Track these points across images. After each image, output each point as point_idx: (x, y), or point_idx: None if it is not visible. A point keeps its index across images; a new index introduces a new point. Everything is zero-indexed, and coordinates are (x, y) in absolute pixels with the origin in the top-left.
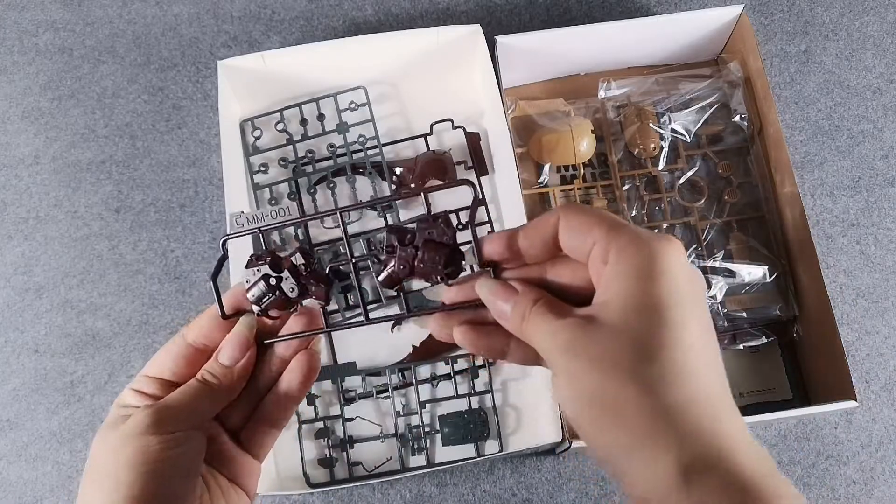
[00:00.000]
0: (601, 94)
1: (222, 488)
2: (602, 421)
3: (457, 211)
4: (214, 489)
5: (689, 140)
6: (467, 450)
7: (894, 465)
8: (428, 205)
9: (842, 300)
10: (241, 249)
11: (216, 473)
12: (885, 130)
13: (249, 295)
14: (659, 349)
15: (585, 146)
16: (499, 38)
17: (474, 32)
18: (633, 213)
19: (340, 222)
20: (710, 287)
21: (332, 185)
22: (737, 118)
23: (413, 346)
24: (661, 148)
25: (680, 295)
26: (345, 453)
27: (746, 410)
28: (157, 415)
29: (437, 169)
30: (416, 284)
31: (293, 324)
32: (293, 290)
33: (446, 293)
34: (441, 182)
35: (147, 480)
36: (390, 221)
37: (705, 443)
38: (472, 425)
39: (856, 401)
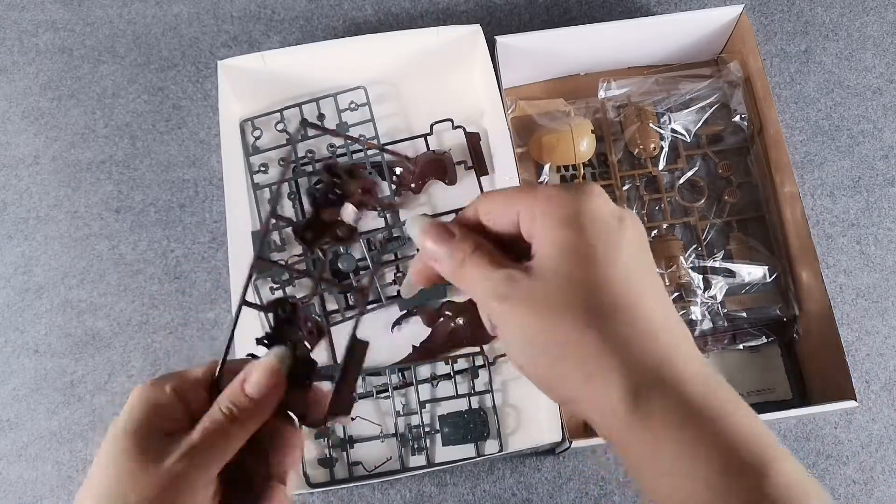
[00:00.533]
0: (601, 94)
1: None
2: (548, 363)
3: (457, 211)
4: None
5: (689, 140)
6: (467, 450)
7: (894, 465)
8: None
9: (842, 300)
10: (242, 245)
11: None
12: (885, 130)
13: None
14: (592, 287)
15: (585, 146)
16: (499, 38)
17: (474, 32)
18: (633, 212)
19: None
20: (710, 287)
21: None
22: (737, 118)
23: (413, 346)
24: (661, 148)
25: (606, 234)
26: (345, 453)
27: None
28: (188, 461)
29: (436, 169)
30: None
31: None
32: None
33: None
34: (442, 182)
35: None
36: (391, 221)
37: (651, 367)
38: (472, 425)
39: (856, 401)
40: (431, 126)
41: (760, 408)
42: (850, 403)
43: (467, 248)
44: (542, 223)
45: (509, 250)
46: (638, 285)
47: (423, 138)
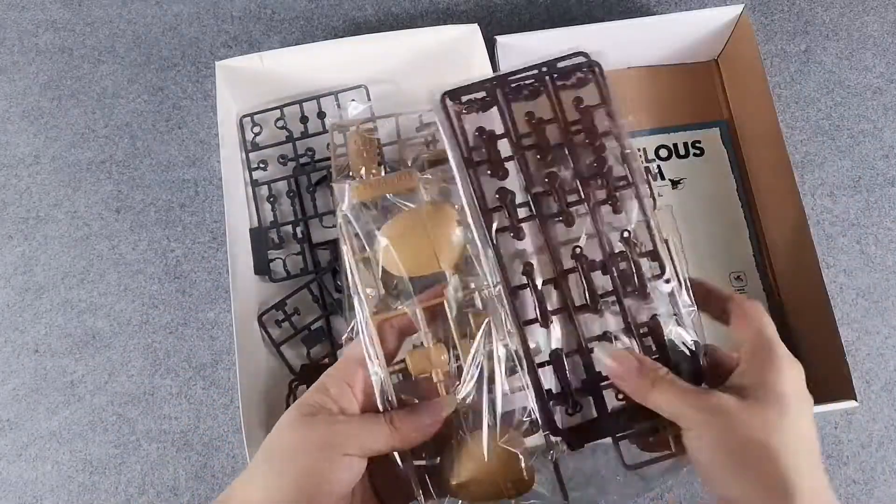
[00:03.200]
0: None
1: None
2: (733, 471)
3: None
4: None
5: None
6: None
7: (894, 465)
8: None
9: (842, 300)
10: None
11: None
12: (885, 130)
13: None
14: (783, 428)
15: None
16: (499, 38)
17: (472, 32)
18: None
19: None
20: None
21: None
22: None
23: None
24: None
25: (798, 395)
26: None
27: None
28: (340, 437)
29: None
30: None
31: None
32: None
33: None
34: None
35: (308, 482)
36: None
37: None
38: None
39: (856, 401)
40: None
41: None
42: (851, 403)
43: (660, 372)
44: (758, 368)
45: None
46: (812, 438)
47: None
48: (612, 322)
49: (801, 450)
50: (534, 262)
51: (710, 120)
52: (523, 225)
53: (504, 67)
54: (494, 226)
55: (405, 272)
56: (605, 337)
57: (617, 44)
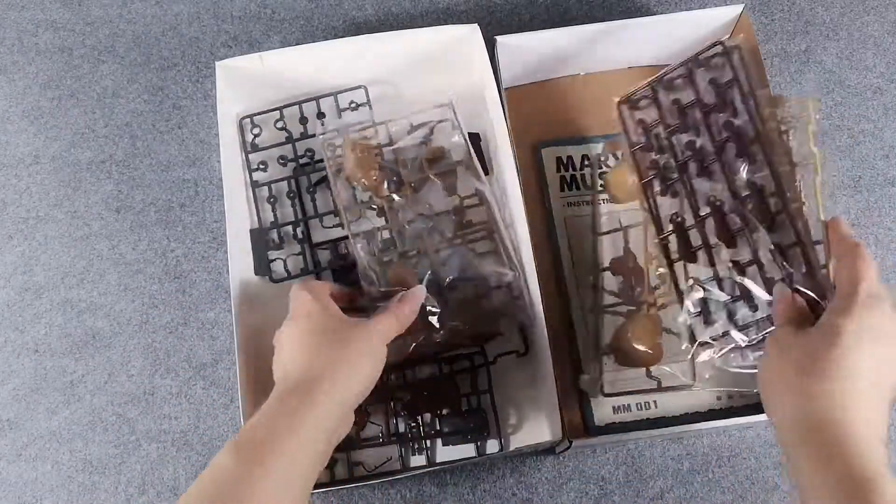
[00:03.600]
0: (318, 130)
1: None
2: (774, 393)
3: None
4: None
5: (409, 167)
6: (467, 450)
7: (894, 464)
8: None
9: None
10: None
11: None
12: (885, 130)
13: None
14: (834, 360)
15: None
16: (499, 38)
17: (472, 32)
18: None
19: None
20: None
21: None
22: (456, 137)
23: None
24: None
25: (857, 333)
26: (345, 454)
27: (745, 411)
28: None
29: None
30: None
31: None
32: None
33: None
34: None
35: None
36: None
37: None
38: (472, 425)
39: None
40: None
41: (760, 408)
42: None
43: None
44: (840, 306)
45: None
46: (874, 380)
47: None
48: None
49: (843, 385)
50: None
51: None
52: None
53: (504, 67)
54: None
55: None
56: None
57: (617, 44)
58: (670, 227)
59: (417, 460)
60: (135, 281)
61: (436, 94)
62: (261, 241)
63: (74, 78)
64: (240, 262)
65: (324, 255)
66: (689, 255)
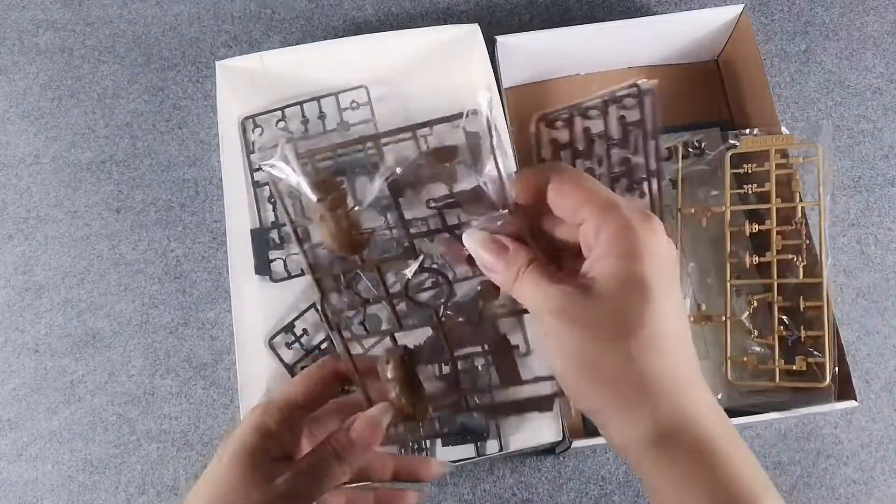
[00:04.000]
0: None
1: None
2: (587, 380)
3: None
4: None
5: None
6: (467, 450)
7: (894, 465)
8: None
9: (842, 300)
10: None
11: None
12: (885, 130)
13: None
14: (641, 324)
15: None
16: (499, 38)
17: (472, 32)
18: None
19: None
20: None
21: None
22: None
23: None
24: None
25: (661, 275)
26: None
27: (744, 410)
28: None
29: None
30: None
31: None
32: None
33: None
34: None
35: None
36: (391, 221)
37: (677, 410)
38: (472, 425)
39: (856, 401)
40: (432, 126)
41: (760, 408)
42: (851, 403)
43: (523, 261)
44: (607, 249)
45: (552, 247)
46: (676, 331)
47: (423, 138)
48: None
49: (667, 349)
50: None
51: (710, 120)
52: None
53: (504, 67)
54: None
55: None
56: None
57: (617, 44)
58: None
59: None
60: (135, 281)
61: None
62: (261, 241)
63: (75, 78)
64: (240, 262)
65: (324, 255)
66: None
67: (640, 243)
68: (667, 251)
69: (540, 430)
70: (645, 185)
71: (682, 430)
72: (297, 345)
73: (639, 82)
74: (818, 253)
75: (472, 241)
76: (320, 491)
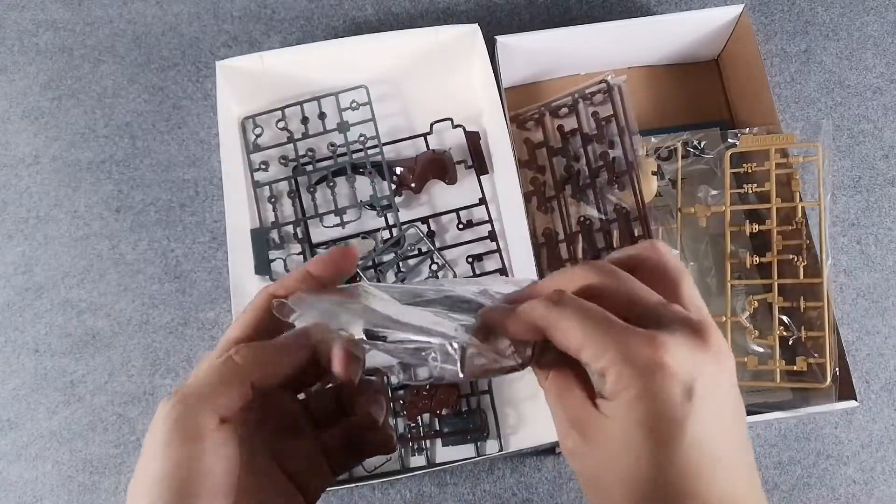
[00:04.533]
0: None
1: (275, 487)
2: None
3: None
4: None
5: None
6: (467, 450)
7: (894, 465)
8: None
9: (842, 300)
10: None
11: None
12: (885, 130)
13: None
14: (651, 474)
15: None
16: (499, 38)
17: (472, 32)
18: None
19: None
20: None
21: (332, 184)
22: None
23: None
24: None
25: (675, 410)
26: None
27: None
28: (178, 408)
29: (437, 168)
30: None
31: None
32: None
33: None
34: (442, 181)
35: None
36: (391, 221)
37: None
38: (472, 425)
39: (856, 401)
40: (431, 125)
41: (760, 408)
42: (851, 403)
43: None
44: (618, 379)
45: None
46: (705, 469)
47: (422, 137)
48: None
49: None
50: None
51: (710, 120)
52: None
53: (504, 67)
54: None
55: None
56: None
57: (617, 44)
58: (542, 240)
59: (417, 460)
60: (135, 281)
61: (436, 95)
62: (261, 241)
63: (75, 78)
64: (240, 262)
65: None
66: (556, 266)
67: (649, 371)
68: (683, 371)
69: (540, 430)
70: (626, 178)
71: None
72: None
73: (608, 78)
74: (818, 253)
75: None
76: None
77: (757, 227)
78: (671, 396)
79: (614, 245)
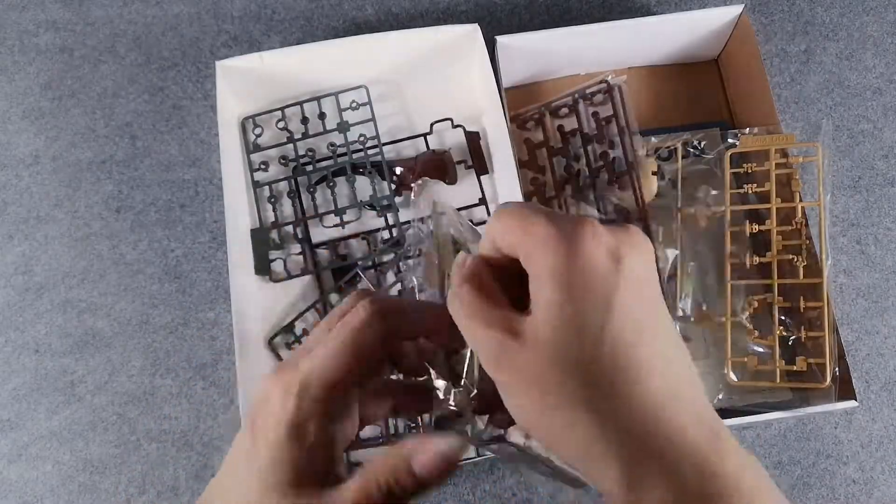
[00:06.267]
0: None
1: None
2: (544, 432)
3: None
4: None
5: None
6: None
7: (894, 465)
8: None
9: (842, 300)
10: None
11: None
12: (885, 130)
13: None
14: (584, 363)
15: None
16: (499, 38)
17: (472, 32)
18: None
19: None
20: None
21: (332, 184)
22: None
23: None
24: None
25: (597, 292)
26: (345, 454)
27: (744, 410)
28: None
29: (437, 168)
30: None
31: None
32: None
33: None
34: (442, 181)
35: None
36: (391, 221)
37: (648, 450)
38: None
39: (856, 401)
40: (431, 125)
41: (760, 408)
42: (851, 403)
43: (464, 295)
44: (535, 276)
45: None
46: (637, 352)
47: (422, 137)
48: None
49: (624, 380)
50: None
51: (710, 120)
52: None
53: (504, 67)
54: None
55: None
56: None
57: (617, 44)
58: None
59: None
60: (135, 281)
61: (436, 95)
62: (261, 241)
63: (75, 78)
64: (240, 262)
65: (324, 256)
66: None
67: (565, 258)
68: (601, 253)
69: None
70: (626, 178)
71: (660, 474)
72: (297, 345)
73: (608, 78)
74: (818, 253)
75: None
76: None
77: (757, 227)
78: (598, 256)
79: None
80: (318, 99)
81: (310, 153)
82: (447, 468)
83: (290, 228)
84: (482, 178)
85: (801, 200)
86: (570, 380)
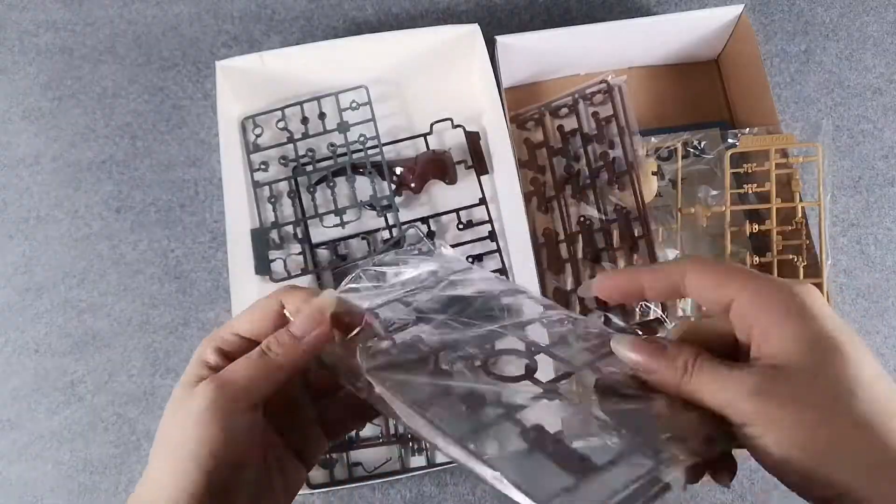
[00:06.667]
0: None
1: (279, 459)
2: (812, 456)
3: (458, 210)
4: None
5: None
6: None
7: None
8: None
9: (842, 300)
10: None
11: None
12: (885, 130)
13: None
14: (857, 382)
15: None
16: (499, 38)
17: (472, 32)
18: None
19: None
20: None
21: (332, 184)
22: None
23: None
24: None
25: (845, 331)
26: (345, 454)
27: None
28: (217, 392)
29: (437, 168)
30: None
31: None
32: None
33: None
34: (442, 181)
35: (208, 468)
36: (391, 221)
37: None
38: None
39: None
40: (431, 125)
41: None
42: None
43: (689, 355)
44: (769, 316)
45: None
46: (884, 374)
47: (422, 137)
48: None
49: (883, 399)
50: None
51: (710, 120)
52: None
53: (504, 67)
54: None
55: None
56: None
57: (617, 44)
58: (542, 240)
59: (417, 460)
60: (135, 281)
61: (436, 95)
62: (261, 241)
63: (75, 78)
64: (240, 262)
65: (324, 256)
66: (556, 266)
67: (808, 304)
68: (831, 310)
69: None
70: (626, 178)
71: None
72: None
73: (608, 78)
74: (818, 253)
75: (622, 345)
76: (252, 397)
77: (757, 227)
78: (833, 318)
79: (614, 245)
80: (318, 99)
81: (310, 153)
82: (318, 320)
83: (290, 228)
84: (482, 178)
85: (801, 200)
86: (846, 399)
